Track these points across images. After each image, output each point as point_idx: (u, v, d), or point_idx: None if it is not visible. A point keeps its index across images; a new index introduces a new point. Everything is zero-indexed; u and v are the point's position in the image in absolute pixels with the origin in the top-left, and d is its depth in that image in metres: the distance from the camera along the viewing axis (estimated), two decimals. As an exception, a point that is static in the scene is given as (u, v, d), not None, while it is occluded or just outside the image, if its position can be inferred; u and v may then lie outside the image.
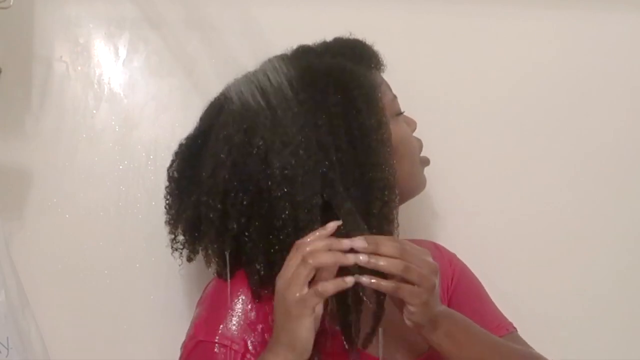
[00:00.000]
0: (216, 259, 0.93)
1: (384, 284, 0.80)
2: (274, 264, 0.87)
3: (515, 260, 1.26)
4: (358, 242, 0.79)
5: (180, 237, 0.96)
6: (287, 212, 0.86)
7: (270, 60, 0.97)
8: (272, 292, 0.85)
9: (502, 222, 1.27)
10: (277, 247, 0.87)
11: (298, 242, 0.82)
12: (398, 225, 0.91)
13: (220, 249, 0.91)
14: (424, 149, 1.04)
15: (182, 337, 0.92)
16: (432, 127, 1.20)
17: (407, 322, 0.83)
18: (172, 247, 0.97)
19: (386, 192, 0.89)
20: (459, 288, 1.05)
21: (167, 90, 1.20)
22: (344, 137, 0.88)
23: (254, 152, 0.88)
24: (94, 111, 1.17)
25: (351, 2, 1.25)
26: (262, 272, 0.88)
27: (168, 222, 0.97)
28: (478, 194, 1.27)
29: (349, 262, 0.78)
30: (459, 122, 1.27)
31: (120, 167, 1.17)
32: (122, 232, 1.15)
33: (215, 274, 0.95)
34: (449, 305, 1.01)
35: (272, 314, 0.85)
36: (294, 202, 0.86)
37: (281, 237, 0.87)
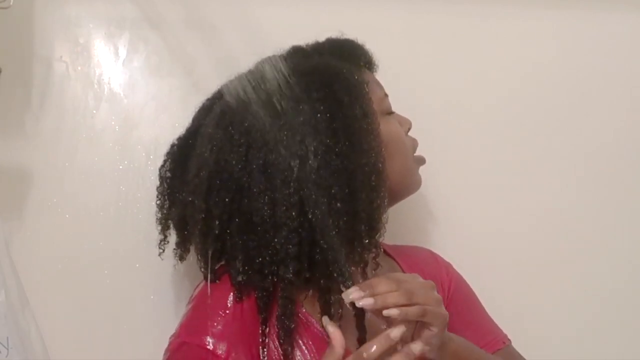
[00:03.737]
0: (202, 260, 0.93)
1: (414, 347, 0.78)
2: (253, 261, 0.88)
3: (514, 264, 1.26)
4: (355, 293, 0.77)
5: (172, 237, 0.98)
6: (265, 209, 0.86)
7: (261, 61, 0.98)
8: (254, 290, 0.87)
9: (500, 225, 1.27)
10: (256, 243, 0.88)
11: None
12: (386, 211, 0.91)
13: (204, 249, 0.91)
14: (422, 149, 1.03)
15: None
16: (432, 128, 1.20)
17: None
18: (159, 247, 0.99)
19: (373, 178, 0.89)
20: (455, 300, 1.05)
21: (167, 90, 1.20)
22: (328, 131, 0.88)
23: (235, 149, 0.89)
24: (94, 111, 1.17)
25: (351, 2, 1.25)
26: (242, 270, 0.89)
27: (159, 222, 0.99)
28: (478, 195, 1.26)
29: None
30: (459, 122, 1.27)
31: (120, 167, 1.17)
32: (122, 232, 1.15)
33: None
34: None
35: (260, 322, 0.87)
36: (272, 199, 0.86)
37: (260, 233, 0.87)
